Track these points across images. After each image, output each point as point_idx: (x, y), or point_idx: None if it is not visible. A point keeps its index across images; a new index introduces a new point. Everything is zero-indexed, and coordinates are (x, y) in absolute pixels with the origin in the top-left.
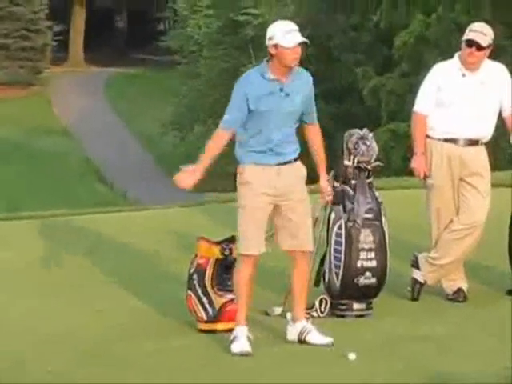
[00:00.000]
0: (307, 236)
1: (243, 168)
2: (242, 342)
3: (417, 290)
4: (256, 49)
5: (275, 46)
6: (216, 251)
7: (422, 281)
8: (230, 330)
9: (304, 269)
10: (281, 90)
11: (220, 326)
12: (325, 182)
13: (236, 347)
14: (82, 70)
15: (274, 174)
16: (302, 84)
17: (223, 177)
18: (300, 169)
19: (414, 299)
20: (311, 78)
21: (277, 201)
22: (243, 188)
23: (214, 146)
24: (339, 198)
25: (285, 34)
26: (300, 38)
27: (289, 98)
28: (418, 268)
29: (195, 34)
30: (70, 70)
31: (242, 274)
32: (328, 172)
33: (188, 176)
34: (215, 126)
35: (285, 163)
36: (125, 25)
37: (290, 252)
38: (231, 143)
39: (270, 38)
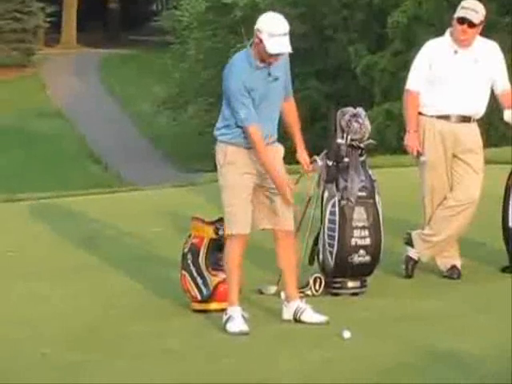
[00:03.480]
0: (288, 215)
1: (226, 148)
2: (238, 321)
3: (411, 267)
4: (246, 29)
5: (260, 40)
6: (210, 231)
7: (416, 258)
8: (224, 310)
9: (289, 247)
10: (269, 74)
11: (214, 306)
12: (303, 154)
13: (233, 327)
14: (75, 52)
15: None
16: (283, 62)
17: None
18: (280, 149)
19: (408, 276)
20: (287, 54)
21: (259, 180)
22: (227, 168)
23: (260, 143)
24: (332, 176)
25: (271, 37)
26: (284, 48)
27: (277, 81)
28: (411, 245)
29: (185, 17)
30: (63, 52)
31: (234, 255)
32: (308, 149)
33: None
34: (207, 105)
35: (268, 144)
36: (117, 5)
37: (273, 231)
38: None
39: (258, 30)
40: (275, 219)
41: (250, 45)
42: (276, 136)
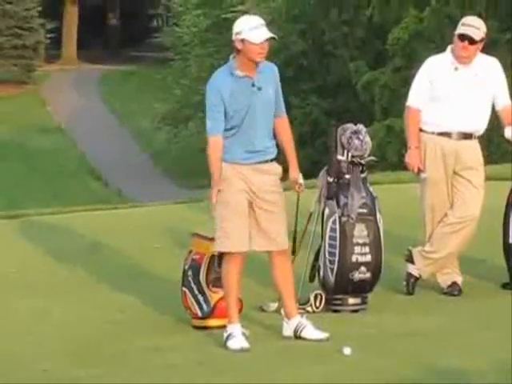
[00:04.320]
0: (282, 235)
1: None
2: (238, 338)
3: (411, 284)
4: None
5: (242, 41)
6: (211, 247)
7: (417, 275)
8: (225, 327)
9: (284, 266)
10: (252, 85)
11: (214, 323)
12: (295, 174)
13: (234, 344)
14: (76, 68)
15: (251, 171)
16: (270, 76)
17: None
18: (276, 168)
19: (409, 293)
20: (277, 70)
21: (252, 198)
22: (221, 184)
23: (215, 155)
24: (333, 193)
25: (252, 30)
26: (267, 34)
27: (261, 91)
28: (412, 262)
29: (185, 34)
30: (64, 68)
31: (232, 274)
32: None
33: (214, 197)
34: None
35: (263, 162)
36: (118, 22)
37: (267, 252)
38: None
39: (237, 33)
40: (266, 241)
41: (234, 57)
42: (273, 155)
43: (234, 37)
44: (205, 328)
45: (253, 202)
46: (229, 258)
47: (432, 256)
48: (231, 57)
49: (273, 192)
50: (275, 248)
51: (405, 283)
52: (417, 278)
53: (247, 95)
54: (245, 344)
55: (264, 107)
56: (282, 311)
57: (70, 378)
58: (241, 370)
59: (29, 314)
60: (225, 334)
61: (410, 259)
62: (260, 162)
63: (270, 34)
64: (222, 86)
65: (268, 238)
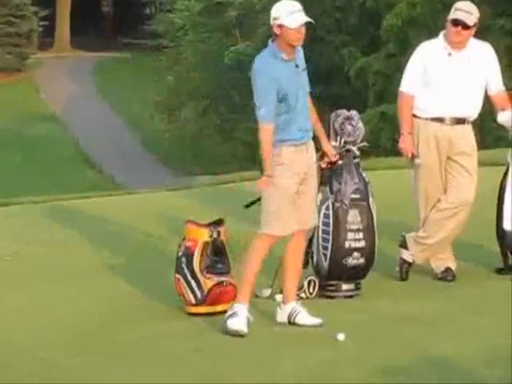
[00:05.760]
0: (312, 211)
1: (280, 149)
2: (241, 319)
3: (405, 269)
4: (240, 29)
5: (280, 26)
6: (204, 234)
7: (411, 260)
8: (219, 313)
9: (299, 250)
10: (297, 66)
11: (208, 309)
12: (327, 145)
13: (233, 324)
14: (69, 55)
15: (305, 151)
16: (302, 57)
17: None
18: (313, 145)
19: (403, 279)
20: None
21: (303, 178)
22: (279, 169)
23: (267, 142)
24: (326, 179)
25: (289, 14)
26: (304, 18)
27: (304, 72)
28: (406, 248)
29: (177, 18)
30: (57, 56)
31: (260, 254)
32: (317, 151)
33: (268, 182)
34: (202, 108)
35: (309, 141)
36: (111, 9)
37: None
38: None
39: (275, 18)
40: (299, 218)
41: (272, 40)
42: (312, 131)
43: (271, 22)
44: (199, 315)
45: (302, 182)
46: (265, 239)
47: (426, 241)
48: (270, 41)
49: (314, 167)
50: (306, 227)
51: (398, 269)
52: (410, 264)
53: (296, 77)
54: (243, 328)
55: (306, 87)
56: (276, 297)
57: (68, 367)
58: (237, 356)
59: (25, 303)
60: (229, 311)
61: (403, 245)
62: (308, 142)
63: (306, 19)
64: (270, 70)
65: (301, 215)
